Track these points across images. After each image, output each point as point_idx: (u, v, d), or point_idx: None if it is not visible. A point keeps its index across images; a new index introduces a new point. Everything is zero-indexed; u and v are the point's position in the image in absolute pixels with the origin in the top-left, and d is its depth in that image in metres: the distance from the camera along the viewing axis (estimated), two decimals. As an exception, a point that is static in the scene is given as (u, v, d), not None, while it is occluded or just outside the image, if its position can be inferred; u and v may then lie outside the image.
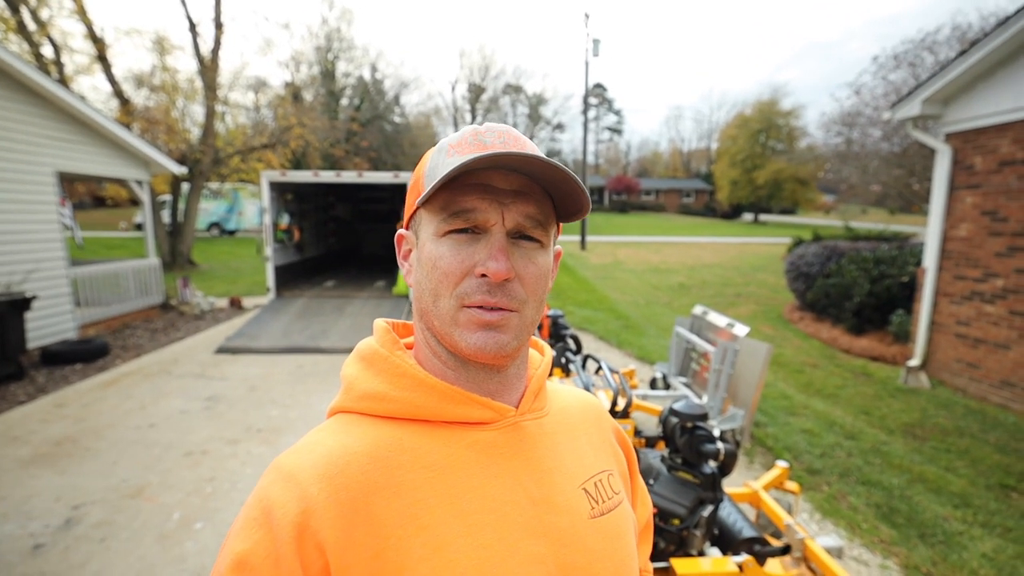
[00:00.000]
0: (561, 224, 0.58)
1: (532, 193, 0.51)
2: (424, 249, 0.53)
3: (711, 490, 1.74)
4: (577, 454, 0.59)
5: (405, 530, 0.46)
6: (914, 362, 5.28)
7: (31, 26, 11.21)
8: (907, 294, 6.14)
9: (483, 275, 0.49)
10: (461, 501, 0.49)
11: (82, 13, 11.75)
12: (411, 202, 0.56)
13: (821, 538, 2.02)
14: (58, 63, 12.07)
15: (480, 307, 0.50)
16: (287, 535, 0.44)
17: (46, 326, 5.89)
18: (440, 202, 0.51)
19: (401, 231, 0.60)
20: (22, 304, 5.03)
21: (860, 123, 12.08)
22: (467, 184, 0.50)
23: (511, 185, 0.50)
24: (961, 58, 4.56)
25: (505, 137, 0.53)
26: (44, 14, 11.46)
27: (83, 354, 5.61)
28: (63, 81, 11.80)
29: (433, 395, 0.52)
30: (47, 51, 11.90)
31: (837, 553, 1.97)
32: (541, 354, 0.65)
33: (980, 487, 3.24)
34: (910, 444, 3.84)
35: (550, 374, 0.65)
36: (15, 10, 10.83)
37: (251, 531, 0.45)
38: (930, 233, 5.26)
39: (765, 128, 32.90)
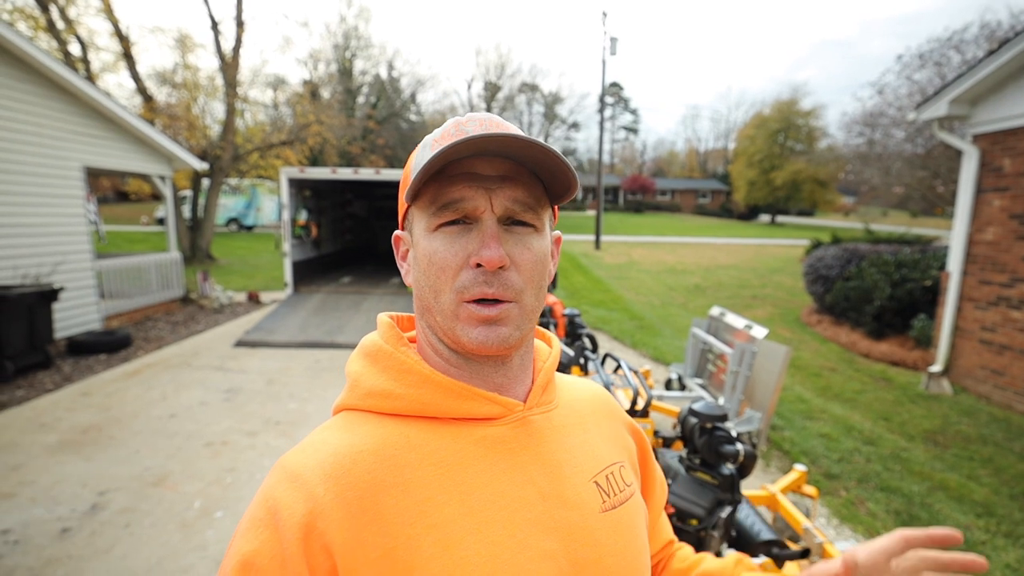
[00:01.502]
0: (557, 208, 0.57)
1: (519, 177, 0.50)
2: (419, 246, 0.53)
3: (729, 491, 1.73)
4: (588, 447, 0.58)
5: (414, 528, 0.46)
6: (936, 368, 5.17)
7: (59, 24, 11.49)
8: (929, 298, 6.02)
9: (478, 265, 0.49)
10: (470, 498, 0.48)
11: (109, 11, 12.01)
12: (403, 201, 0.56)
13: (840, 543, 2.00)
14: (85, 60, 12.37)
15: (479, 301, 0.49)
16: (294, 536, 0.43)
17: (72, 317, 6.05)
18: (429, 196, 0.51)
19: (397, 232, 0.59)
20: (50, 295, 5.17)
21: (883, 124, 11.86)
22: (453, 175, 0.49)
23: (496, 171, 0.50)
24: (991, 57, 4.46)
25: (487, 124, 0.52)
26: (72, 12, 11.75)
27: (107, 345, 5.76)
28: (90, 78, 12.09)
29: (440, 391, 0.52)
30: (74, 49, 12.21)
31: (856, 558, 1.95)
32: (549, 346, 0.64)
33: (1004, 496, 3.17)
34: (931, 451, 3.77)
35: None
36: (44, 8, 11.11)
37: (257, 531, 0.45)
38: (955, 236, 5.15)
39: (784, 128, 32.42)
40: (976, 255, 4.97)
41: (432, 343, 0.55)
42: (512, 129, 0.53)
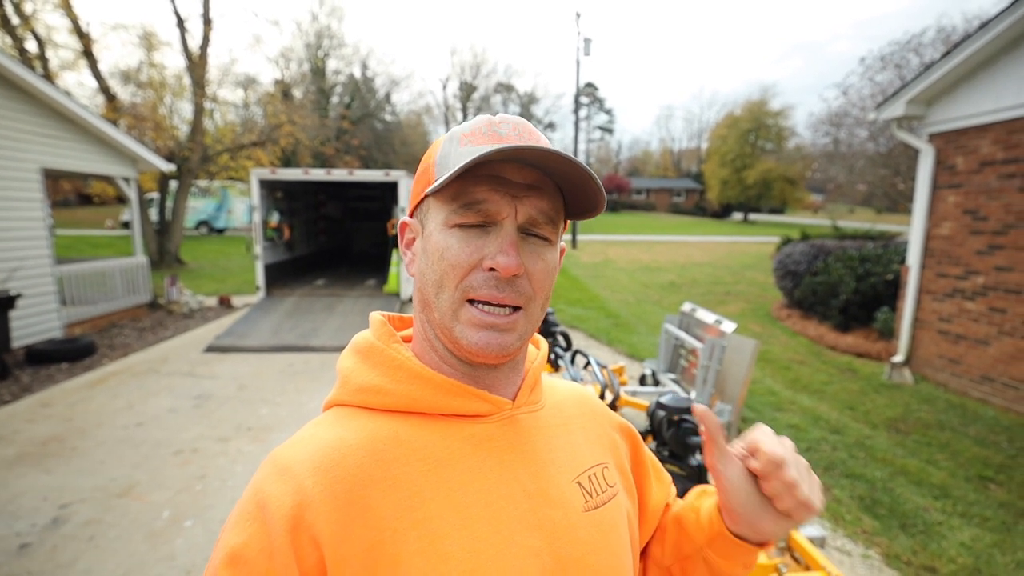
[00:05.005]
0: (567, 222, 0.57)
1: (545, 188, 0.50)
2: (431, 239, 0.52)
3: (697, 482, 1.77)
4: (571, 447, 0.59)
5: (401, 523, 0.46)
6: (898, 358, 5.38)
7: (14, 20, 11.03)
8: (892, 292, 6.25)
9: (492, 269, 0.48)
10: (457, 494, 0.49)
11: (67, 8, 11.58)
12: (419, 191, 0.55)
13: (804, 528, 2.07)
14: (43, 58, 11.89)
15: (486, 302, 0.49)
16: (281, 528, 0.44)
17: (31, 325, 5.82)
18: (451, 192, 0.50)
19: (405, 219, 0.58)
20: (6, 302, 4.97)
21: (847, 123, 12.26)
22: (480, 175, 0.49)
23: (525, 179, 0.49)
24: (944, 60, 4.65)
25: (520, 130, 0.52)
26: (28, 8, 11.28)
27: (69, 353, 5.55)
28: (48, 76, 11.62)
29: (429, 388, 0.52)
30: (31, 46, 11.73)
31: (820, 543, 2.02)
32: (537, 347, 0.65)
33: (960, 479, 3.31)
34: (893, 438, 3.92)
35: None
36: (-2, 4, 10.65)
37: (245, 525, 0.45)
38: (913, 232, 5.36)
39: (755, 128, 33.16)
40: (933, 249, 5.18)
41: (429, 337, 0.55)
42: (543, 140, 0.53)
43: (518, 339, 0.51)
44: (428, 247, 0.52)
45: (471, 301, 0.50)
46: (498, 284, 0.49)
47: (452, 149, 0.51)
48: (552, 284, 0.54)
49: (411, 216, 0.58)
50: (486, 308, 0.49)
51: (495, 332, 0.49)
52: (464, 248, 0.49)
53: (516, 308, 0.50)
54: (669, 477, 0.75)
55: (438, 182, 0.48)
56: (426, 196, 0.53)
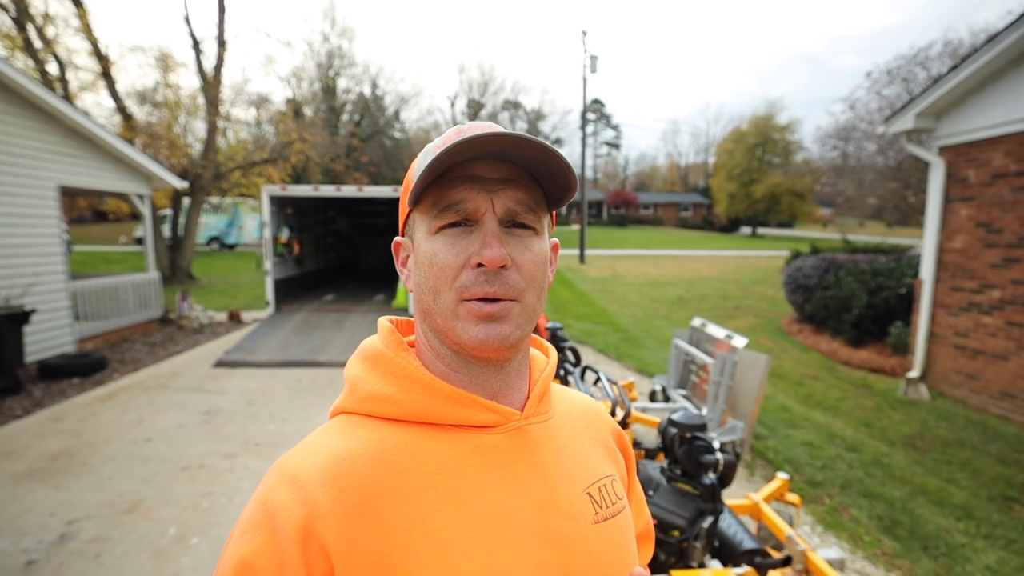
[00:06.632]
0: (556, 213, 0.58)
1: (520, 180, 0.51)
2: (420, 249, 0.53)
3: (711, 501, 1.73)
4: (581, 458, 0.58)
5: (410, 534, 0.45)
6: (913, 374, 5.27)
7: (37, 44, 11.38)
8: (905, 306, 6.15)
9: (479, 265, 0.49)
10: (466, 505, 0.48)
11: (88, 31, 11.93)
12: (404, 207, 0.56)
13: (823, 550, 2.00)
14: (63, 80, 12.23)
15: (481, 299, 0.49)
16: (291, 539, 0.43)
17: (44, 340, 5.88)
18: (430, 200, 0.51)
19: (397, 238, 0.60)
20: (21, 318, 5.03)
21: (855, 137, 12.24)
22: (454, 177, 0.50)
23: (498, 173, 0.51)
24: (953, 73, 4.64)
25: (487, 128, 0.53)
26: (50, 32, 11.64)
27: (81, 368, 5.60)
28: (67, 97, 11.95)
29: (438, 398, 0.52)
30: (52, 68, 12.07)
31: (839, 565, 1.96)
32: (546, 356, 0.65)
33: (982, 499, 3.21)
34: (911, 456, 3.82)
35: None
36: (22, 28, 11.00)
37: (255, 534, 0.45)
38: (926, 245, 5.29)
39: (761, 142, 33.17)
40: (947, 263, 5.11)
41: (433, 346, 0.55)
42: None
43: (517, 328, 0.51)
44: (419, 258, 0.53)
45: (466, 300, 0.50)
46: (488, 279, 0.49)
47: (426, 161, 0.53)
48: (543, 275, 0.53)
49: (401, 235, 0.59)
50: (482, 301, 0.50)
51: (492, 323, 0.50)
52: (451, 250, 0.50)
53: (509, 300, 0.50)
54: (648, 515, 0.75)
55: (413, 188, 0.50)
56: (411, 211, 0.55)
